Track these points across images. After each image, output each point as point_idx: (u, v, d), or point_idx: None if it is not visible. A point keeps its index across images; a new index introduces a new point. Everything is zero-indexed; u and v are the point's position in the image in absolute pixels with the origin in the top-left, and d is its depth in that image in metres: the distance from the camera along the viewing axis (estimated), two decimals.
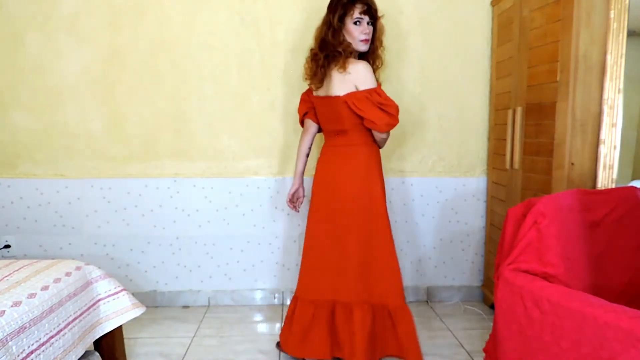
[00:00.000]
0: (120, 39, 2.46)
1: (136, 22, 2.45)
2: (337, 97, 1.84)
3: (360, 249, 1.90)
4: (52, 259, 1.86)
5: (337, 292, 1.91)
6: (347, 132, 1.91)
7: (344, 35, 1.86)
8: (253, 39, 2.49)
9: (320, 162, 2.01)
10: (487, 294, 2.61)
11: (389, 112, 1.80)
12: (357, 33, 1.84)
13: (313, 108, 2.07)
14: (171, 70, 2.49)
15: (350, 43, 1.86)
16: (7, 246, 2.57)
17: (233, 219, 2.62)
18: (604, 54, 1.71)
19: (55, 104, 2.49)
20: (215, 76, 2.50)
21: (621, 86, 1.72)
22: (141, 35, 2.46)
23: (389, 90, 2.52)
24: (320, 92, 1.93)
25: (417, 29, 2.52)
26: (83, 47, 2.46)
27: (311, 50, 1.94)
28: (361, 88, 1.81)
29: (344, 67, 1.80)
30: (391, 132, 2.60)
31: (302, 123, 2.15)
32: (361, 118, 1.84)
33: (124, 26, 2.45)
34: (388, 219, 1.94)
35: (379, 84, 1.88)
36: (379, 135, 1.91)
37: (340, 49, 1.83)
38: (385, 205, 1.95)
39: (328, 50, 1.85)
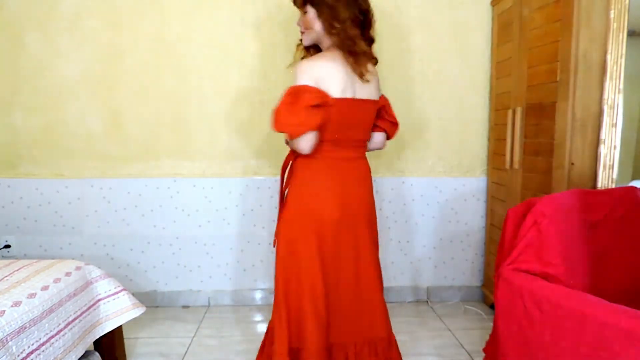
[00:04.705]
0: (120, 39, 2.46)
1: (136, 22, 2.45)
2: (376, 101, 1.64)
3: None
4: (52, 259, 1.85)
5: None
6: (364, 143, 1.69)
7: None
8: (253, 39, 2.49)
9: (319, 181, 1.58)
10: (487, 294, 2.61)
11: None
12: None
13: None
14: (171, 70, 2.49)
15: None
16: (7, 246, 2.57)
17: (233, 219, 2.62)
18: (604, 54, 1.71)
19: (55, 104, 2.49)
20: (215, 76, 2.50)
21: (621, 86, 1.71)
22: (141, 35, 2.46)
23: (389, 90, 2.55)
24: (348, 94, 1.52)
25: (418, 29, 2.52)
26: (83, 47, 2.46)
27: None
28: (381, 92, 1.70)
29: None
30: None
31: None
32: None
33: (124, 26, 2.45)
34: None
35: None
36: (380, 144, 1.78)
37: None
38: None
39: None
